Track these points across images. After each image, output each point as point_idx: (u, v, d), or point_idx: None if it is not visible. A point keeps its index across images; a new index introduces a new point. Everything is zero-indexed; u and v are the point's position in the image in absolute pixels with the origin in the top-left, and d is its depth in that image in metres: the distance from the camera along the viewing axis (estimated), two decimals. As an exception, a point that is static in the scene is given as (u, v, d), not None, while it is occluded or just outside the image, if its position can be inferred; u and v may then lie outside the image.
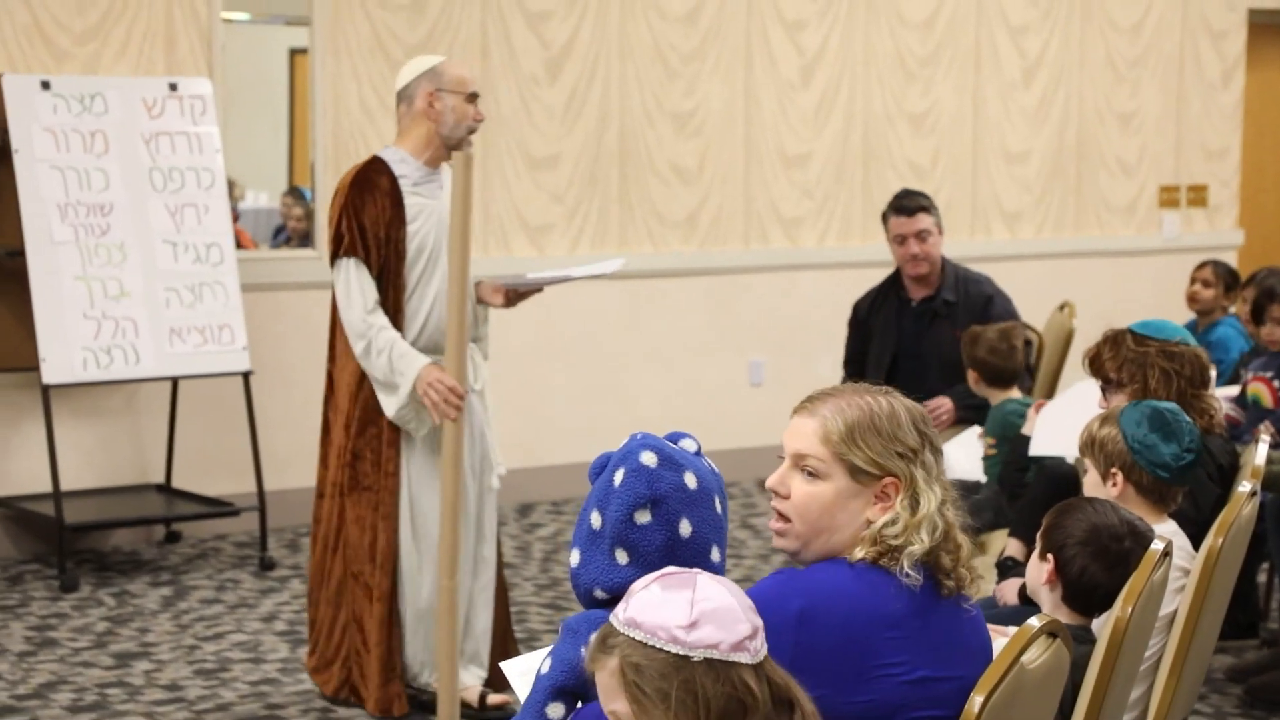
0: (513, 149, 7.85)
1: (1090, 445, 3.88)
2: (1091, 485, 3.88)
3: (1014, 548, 4.88)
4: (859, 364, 6.41)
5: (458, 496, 4.74)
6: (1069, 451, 4.74)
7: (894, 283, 6.42)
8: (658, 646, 2.21)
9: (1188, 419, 3.88)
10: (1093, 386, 5.11)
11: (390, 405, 4.95)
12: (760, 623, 2.26)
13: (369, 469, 5.05)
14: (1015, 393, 5.75)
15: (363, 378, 5.02)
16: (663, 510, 2.61)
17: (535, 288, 5.24)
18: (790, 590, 2.59)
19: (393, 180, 5.00)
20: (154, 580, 6.58)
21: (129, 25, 6.97)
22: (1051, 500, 4.92)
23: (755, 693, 2.22)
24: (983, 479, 5.67)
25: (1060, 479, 4.77)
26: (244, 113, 7.82)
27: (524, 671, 2.86)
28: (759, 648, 2.24)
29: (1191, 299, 7.11)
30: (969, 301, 6.25)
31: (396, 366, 4.89)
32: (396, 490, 5.07)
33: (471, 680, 5.17)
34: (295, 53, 9.77)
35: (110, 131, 6.72)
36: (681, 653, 2.21)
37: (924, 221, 6.23)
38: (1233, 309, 7.04)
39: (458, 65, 5.10)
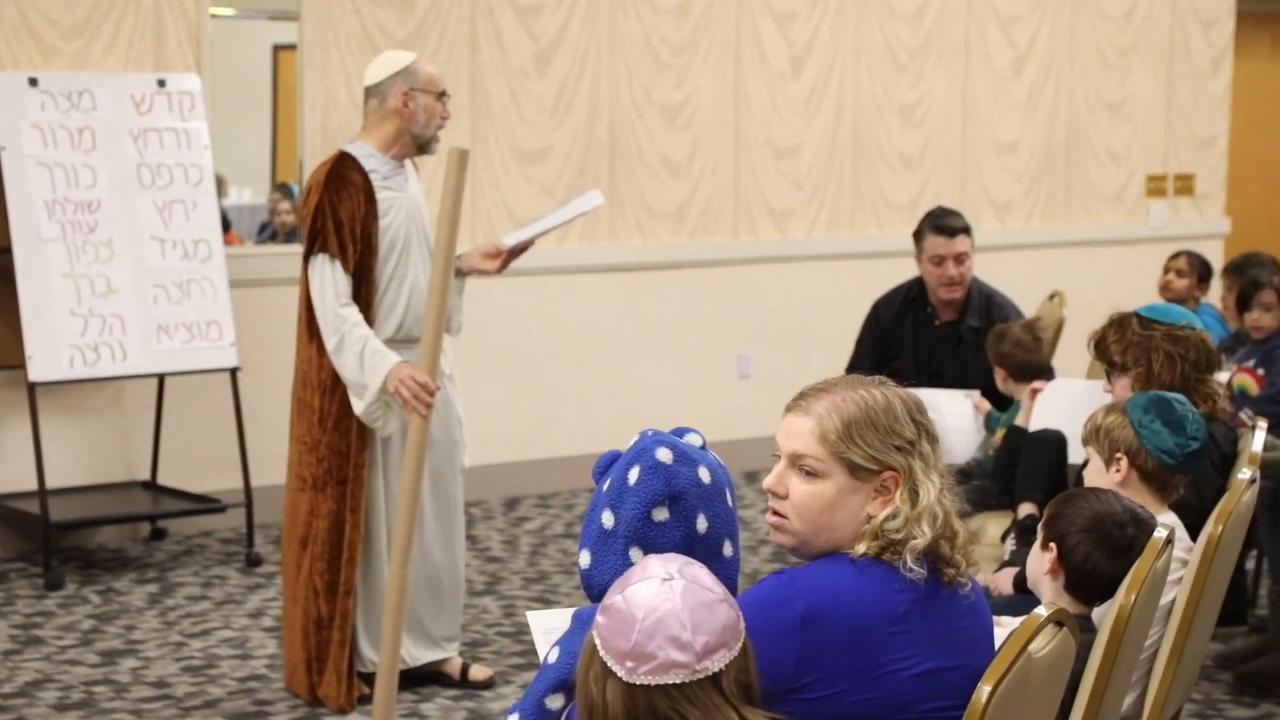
0: (502, 143, 7.79)
1: (1095, 433, 3.85)
2: (1094, 474, 3.85)
3: (1028, 509, 4.86)
4: (866, 371, 6.26)
5: (418, 490, 4.75)
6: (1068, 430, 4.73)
7: (919, 295, 6.22)
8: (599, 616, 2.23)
9: (1194, 409, 3.86)
10: (1081, 383, 5.12)
11: (359, 404, 4.95)
12: (668, 658, 2.13)
13: (342, 463, 5.05)
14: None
15: (331, 381, 5.01)
16: (681, 507, 2.56)
17: (527, 244, 5.25)
18: (793, 593, 2.54)
19: (364, 176, 5.03)
20: (140, 577, 6.51)
21: (117, 21, 6.89)
22: (1044, 459, 4.94)
23: (606, 706, 2.15)
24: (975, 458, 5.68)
25: (1050, 441, 4.77)
26: (227, 109, 7.75)
27: (548, 630, 2.81)
28: (638, 669, 2.13)
29: (1164, 288, 7.06)
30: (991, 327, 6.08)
31: (367, 365, 4.89)
32: (366, 485, 5.07)
33: (452, 651, 5.30)
34: (279, 48, 9.73)
35: (98, 128, 6.65)
36: (593, 628, 2.21)
37: (964, 244, 6.05)
38: (1204, 299, 7.00)
39: (428, 64, 5.16)
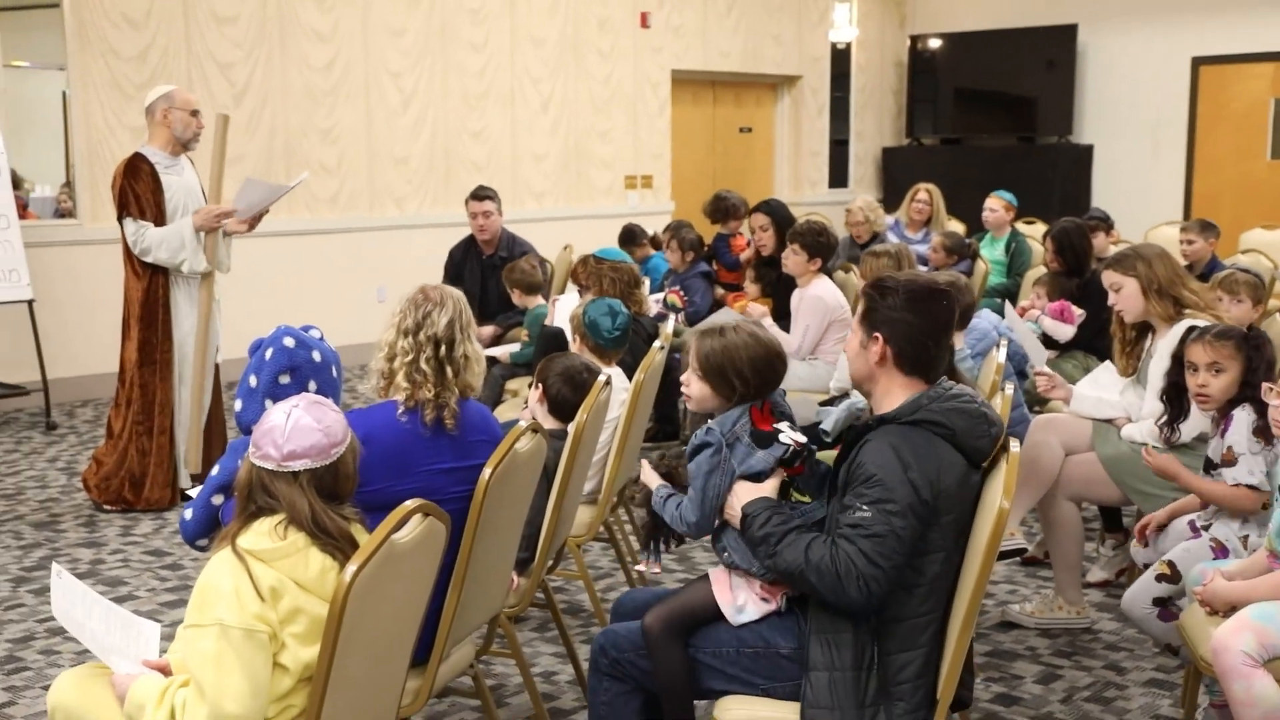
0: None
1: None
2: (576, 347, 3.97)
3: None
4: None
5: (208, 338, 4.55)
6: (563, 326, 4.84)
7: (473, 240, 6.18)
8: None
9: (623, 311, 3.95)
10: (573, 296, 5.22)
11: (189, 262, 4.80)
12: (266, 451, 2.07)
13: (152, 350, 4.86)
14: (541, 299, 5.75)
15: (144, 297, 4.81)
16: (299, 375, 2.53)
17: (264, 210, 5.05)
18: (356, 424, 2.46)
19: (151, 166, 4.87)
20: (-31, 443, 5.96)
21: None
22: (553, 346, 5.05)
23: (241, 474, 2.10)
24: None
25: (554, 335, 4.88)
26: (35, 131, 7.10)
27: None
28: (254, 453, 2.09)
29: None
30: (513, 257, 6.07)
31: (171, 234, 4.78)
32: (171, 363, 4.89)
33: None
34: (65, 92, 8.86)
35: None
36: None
37: (489, 205, 6.04)
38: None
39: (184, 92, 4.98)
